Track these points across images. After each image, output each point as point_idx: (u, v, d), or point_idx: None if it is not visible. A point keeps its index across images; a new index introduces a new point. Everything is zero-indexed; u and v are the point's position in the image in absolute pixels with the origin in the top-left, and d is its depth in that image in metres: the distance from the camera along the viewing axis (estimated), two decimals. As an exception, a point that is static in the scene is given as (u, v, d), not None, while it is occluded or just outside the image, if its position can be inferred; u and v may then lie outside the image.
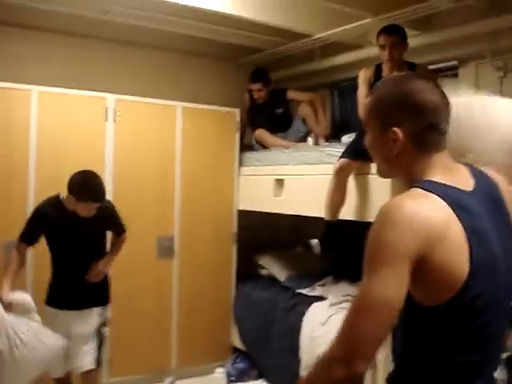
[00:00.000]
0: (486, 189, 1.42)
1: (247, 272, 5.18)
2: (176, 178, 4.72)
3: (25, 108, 4.10)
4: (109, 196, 4.36)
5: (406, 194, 1.34)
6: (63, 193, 3.36)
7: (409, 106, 1.39)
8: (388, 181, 3.11)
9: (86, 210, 3.32)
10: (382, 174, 1.53)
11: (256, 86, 5.03)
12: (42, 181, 4.14)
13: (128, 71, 5.03)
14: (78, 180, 3.27)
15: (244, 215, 5.04)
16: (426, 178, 1.37)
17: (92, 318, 3.47)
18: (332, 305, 4.06)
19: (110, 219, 3.59)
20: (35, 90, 4.14)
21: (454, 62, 4.22)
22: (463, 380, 1.33)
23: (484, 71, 4.01)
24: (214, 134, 4.95)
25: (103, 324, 3.53)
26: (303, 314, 4.15)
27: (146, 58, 5.14)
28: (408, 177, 1.43)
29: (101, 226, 3.54)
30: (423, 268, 1.23)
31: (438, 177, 1.36)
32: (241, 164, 5.09)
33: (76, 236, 3.40)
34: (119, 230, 3.70)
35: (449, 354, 1.31)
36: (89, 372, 3.46)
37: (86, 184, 3.27)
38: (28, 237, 3.43)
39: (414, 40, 4.15)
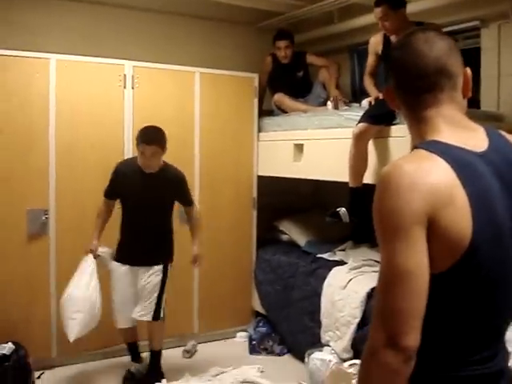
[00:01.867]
0: (502, 151, 1.33)
1: (267, 237, 5.21)
2: (195, 144, 4.71)
3: (44, 76, 4.11)
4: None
5: (407, 157, 1.27)
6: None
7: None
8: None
9: (145, 159, 3.69)
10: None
11: (283, 43, 4.95)
12: (62, 148, 4.17)
13: (145, 38, 4.99)
14: (140, 129, 3.77)
15: (264, 181, 5.04)
16: (431, 138, 1.29)
17: (155, 274, 3.85)
18: (352, 269, 4.07)
19: (177, 186, 3.94)
20: (53, 58, 4.14)
21: (476, 23, 4.10)
22: (469, 350, 1.27)
23: (508, 32, 3.90)
24: (233, 100, 4.92)
25: (164, 281, 3.89)
26: (324, 278, 4.16)
27: (163, 24, 5.09)
28: (417, 139, 1.36)
29: (167, 189, 3.88)
30: (429, 233, 1.17)
31: (443, 136, 1.28)
32: (260, 129, 5.06)
33: (142, 191, 3.80)
34: (186, 199, 4.03)
35: (453, 324, 1.26)
36: (150, 323, 3.88)
37: (144, 129, 3.74)
38: (108, 192, 3.91)
39: (433, 0, 4.06)
